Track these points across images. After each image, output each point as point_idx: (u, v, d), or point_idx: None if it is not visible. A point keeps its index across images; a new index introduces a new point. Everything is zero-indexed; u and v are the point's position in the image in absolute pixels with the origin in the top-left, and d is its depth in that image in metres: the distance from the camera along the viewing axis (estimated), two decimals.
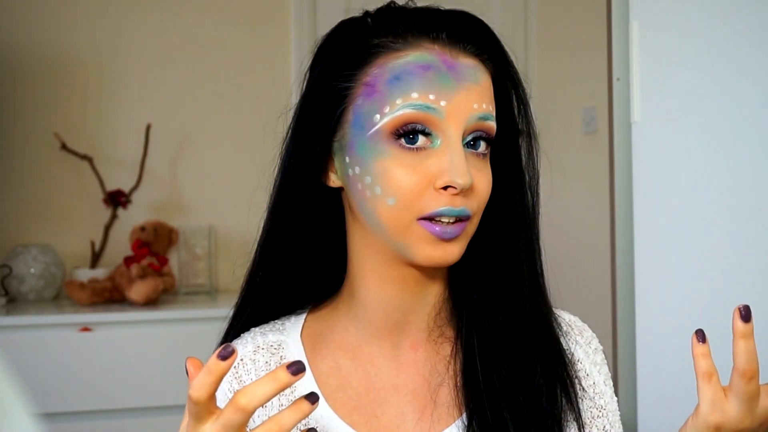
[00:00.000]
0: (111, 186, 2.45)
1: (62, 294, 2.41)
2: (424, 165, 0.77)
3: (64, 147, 2.43)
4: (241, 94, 2.63)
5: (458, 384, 0.84)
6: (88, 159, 2.44)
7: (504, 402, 0.81)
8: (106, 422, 2.08)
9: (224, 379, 0.85)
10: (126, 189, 2.45)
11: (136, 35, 2.57)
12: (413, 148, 0.77)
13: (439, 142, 0.77)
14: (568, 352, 0.88)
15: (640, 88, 1.50)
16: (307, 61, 0.88)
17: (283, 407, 0.84)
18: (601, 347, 0.92)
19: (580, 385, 0.87)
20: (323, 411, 0.83)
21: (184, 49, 2.60)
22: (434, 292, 0.86)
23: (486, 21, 0.85)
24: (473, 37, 0.81)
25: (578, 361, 0.89)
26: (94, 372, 2.07)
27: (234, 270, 0.96)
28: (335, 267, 0.89)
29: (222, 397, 0.86)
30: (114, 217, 2.45)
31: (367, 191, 0.79)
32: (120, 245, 2.46)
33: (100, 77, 2.55)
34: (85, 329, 2.09)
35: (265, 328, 0.90)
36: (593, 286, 2.44)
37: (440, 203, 0.76)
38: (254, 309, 0.90)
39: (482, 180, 0.80)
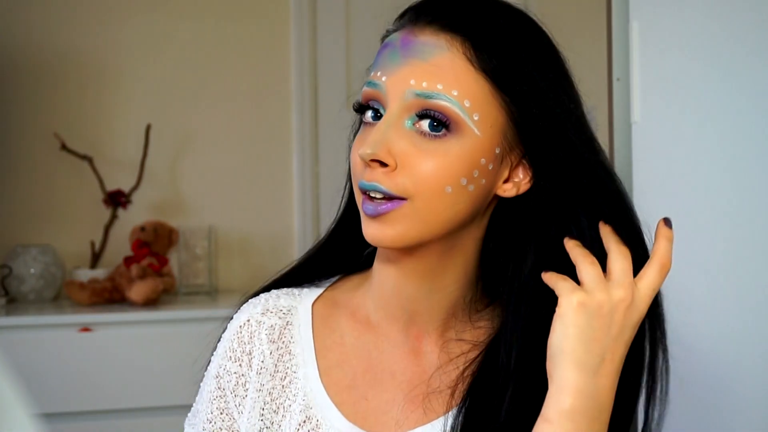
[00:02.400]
0: (111, 186, 2.45)
1: (62, 294, 2.41)
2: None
3: (64, 147, 2.43)
4: (241, 94, 2.63)
5: (458, 387, 0.82)
6: (88, 159, 2.44)
7: (499, 425, 0.79)
8: (106, 422, 2.08)
9: (226, 338, 0.87)
10: (126, 189, 2.45)
11: (136, 35, 2.57)
12: (368, 123, 0.80)
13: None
14: None
15: (640, 88, 1.50)
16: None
17: (276, 384, 0.84)
18: None
19: None
20: (314, 385, 0.84)
21: (184, 49, 2.60)
22: (440, 289, 0.83)
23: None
24: (446, 14, 0.79)
25: None
26: (94, 372, 2.07)
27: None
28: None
29: (222, 354, 0.86)
30: (114, 217, 2.45)
31: None
32: (120, 245, 2.46)
33: (100, 77, 2.55)
34: (85, 329, 2.09)
35: (281, 291, 0.90)
36: None
37: (362, 176, 0.78)
38: (299, 269, 0.92)
39: (420, 162, 0.76)
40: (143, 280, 2.24)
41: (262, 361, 0.85)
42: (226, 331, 0.89)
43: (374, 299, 0.86)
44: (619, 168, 1.60)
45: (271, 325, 0.86)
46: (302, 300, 0.88)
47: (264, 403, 0.84)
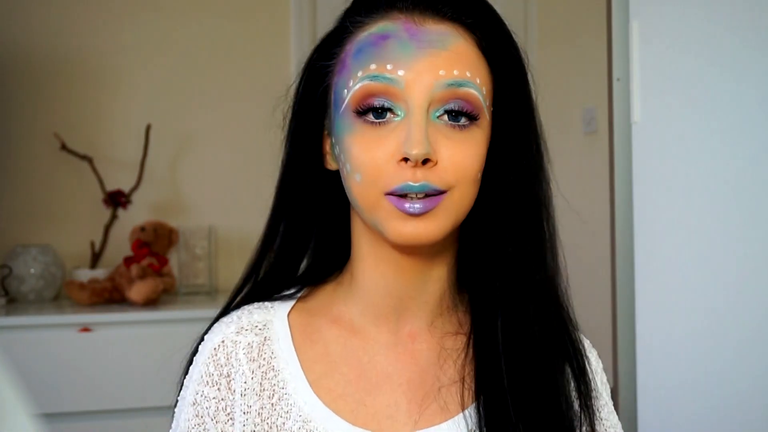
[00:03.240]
0: (111, 186, 2.45)
1: (62, 294, 2.41)
2: (386, 139, 0.75)
3: (64, 147, 2.43)
4: (241, 94, 2.63)
5: (465, 379, 0.81)
6: (88, 159, 2.44)
7: (519, 403, 0.78)
8: (106, 422, 2.08)
9: (201, 362, 0.83)
10: (126, 189, 2.45)
11: (136, 35, 2.57)
12: (377, 123, 0.75)
13: (402, 114, 0.75)
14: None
15: (640, 88, 1.50)
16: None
17: (265, 403, 0.80)
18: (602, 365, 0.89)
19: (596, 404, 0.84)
20: (308, 398, 0.80)
21: (184, 49, 2.60)
22: (434, 280, 0.82)
23: None
24: (446, 1, 0.78)
25: (591, 380, 0.85)
26: (94, 372, 2.07)
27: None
28: (340, 248, 0.87)
29: (198, 380, 0.83)
30: (114, 217, 2.45)
31: (344, 169, 0.78)
32: (120, 245, 2.46)
33: (100, 77, 2.55)
34: (85, 329, 2.09)
35: (253, 306, 0.86)
36: (593, 286, 2.44)
37: (402, 178, 0.73)
38: (254, 286, 0.88)
39: (457, 152, 0.75)
40: (143, 280, 2.24)
41: (245, 382, 0.81)
42: (199, 354, 0.84)
43: (360, 303, 0.83)
44: (619, 168, 1.60)
45: (248, 343, 0.82)
46: (276, 313, 0.85)
47: (254, 425, 0.79)
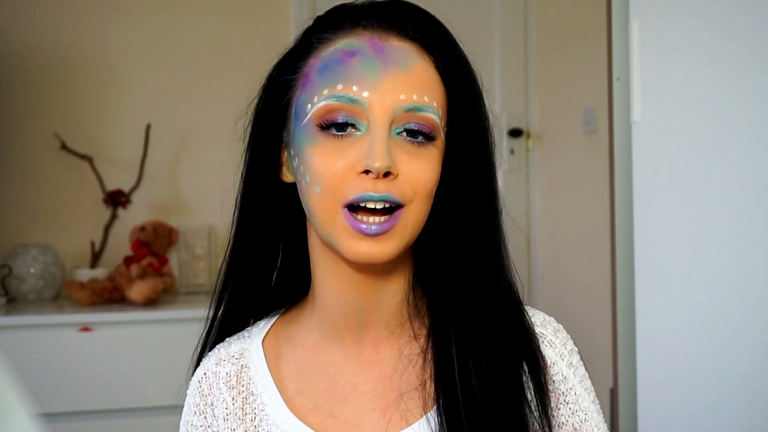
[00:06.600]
0: (111, 186, 2.45)
1: (62, 294, 2.41)
2: (347, 151, 0.77)
3: (64, 147, 2.43)
4: (241, 94, 2.62)
5: (426, 382, 0.83)
6: (88, 159, 2.44)
7: (478, 402, 0.80)
8: (106, 422, 2.08)
9: (189, 394, 0.89)
10: (126, 189, 2.45)
11: (136, 35, 2.57)
12: (339, 135, 0.78)
13: (363, 129, 0.78)
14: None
15: (640, 88, 1.50)
16: None
17: (248, 426, 0.85)
18: (576, 348, 0.89)
19: (554, 391, 0.85)
20: (284, 416, 0.84)
21: (184, 49, 2.60)
22: (391, 291, 0.85)
23: (448, 18, 0.86)
24: (408, 20, 0.81)
25: (553, 364, 0.86)
26: (94, 372, 2.07)
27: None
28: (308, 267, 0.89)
29: (187, 411, 0.89)
30: (114, 217, 2.45)
31: (303, 181, 0.80)
32: (120, 245, 2.46)
33: (100, 77, 2.55)
34: (85, 329, 2.09)
35: (233, 338, 0.91)
36: (593, 286, 2.44)
37: (362, 188, 0.76)
38: (226, 317, 0.92)
39: (416, 167, 0.78)
40: (143, 279, 2.24)
41: (226, 408, 0.86)
42: (189, 387, 0.91)
43: (324, 319, 0.86)
44: (619, 168, 1.60)
45: (227, 373, 0.88)
46: (252, 341, 0.89)
47: None
